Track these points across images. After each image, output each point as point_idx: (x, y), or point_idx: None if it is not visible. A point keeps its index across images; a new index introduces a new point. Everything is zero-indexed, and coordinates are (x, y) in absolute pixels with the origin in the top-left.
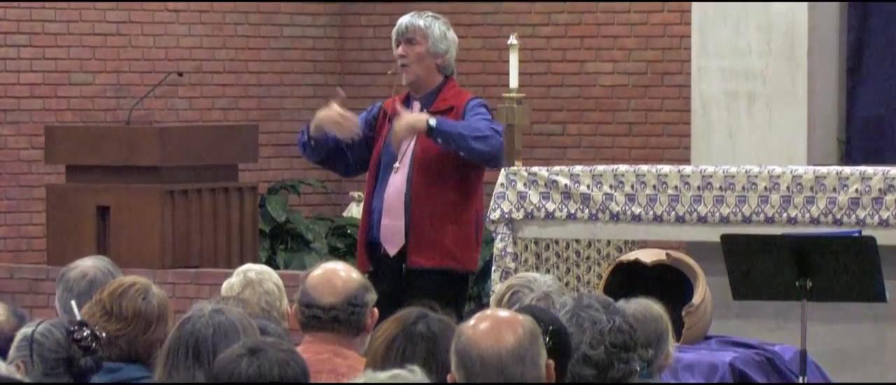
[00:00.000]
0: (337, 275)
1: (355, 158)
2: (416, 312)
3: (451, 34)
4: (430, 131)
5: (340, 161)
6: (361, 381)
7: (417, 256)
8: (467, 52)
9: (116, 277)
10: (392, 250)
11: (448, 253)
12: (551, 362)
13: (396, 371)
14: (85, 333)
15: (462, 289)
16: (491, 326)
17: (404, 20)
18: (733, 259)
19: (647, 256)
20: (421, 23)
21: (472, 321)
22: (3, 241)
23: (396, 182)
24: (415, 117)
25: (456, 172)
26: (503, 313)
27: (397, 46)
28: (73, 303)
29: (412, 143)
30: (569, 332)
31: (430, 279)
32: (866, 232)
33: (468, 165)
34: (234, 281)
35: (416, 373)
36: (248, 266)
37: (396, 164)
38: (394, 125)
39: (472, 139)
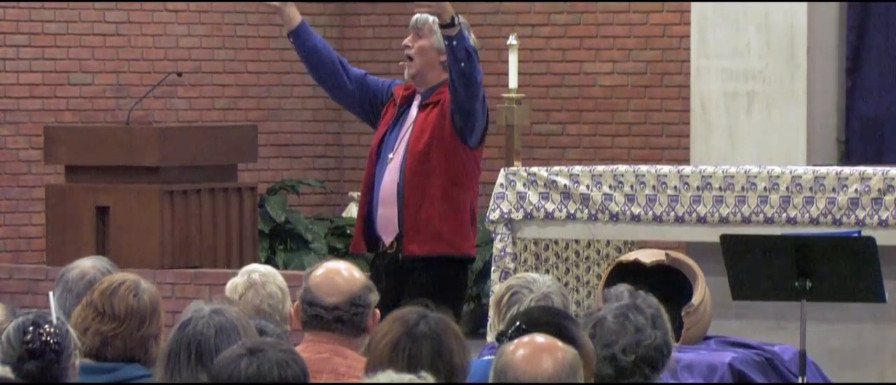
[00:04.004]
0: (340, 274)
1: (355, 88)
2: (416, 313)
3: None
4: (450, 23)
5: (337, 84)
6: (378, 381)
7: (411, 244)
8: None
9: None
10: (387, 239)
11: (441, 238)
12: None
13: (411, 376)
14: (39, 333)
15: (462, 275)
16: (531, 352)
17: (419, 14)
18: (732, 259)
19: (647, 257)
20: (431, 18)
21: (512, 344)
22: (3, 241)
23: (391, 171)
24: (448, 6)
25: (449, 160)
26: (543, 340)
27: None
28: (51, 294)
29: (407, 132)
30: (607, 325)
31: (428, 269)
32: (866, 232)
33: (461, 152)
34: (238, 281)
35: (426, 378)
36: (253, 266)
37: (390, 155)
38: None
39: (474, 66)
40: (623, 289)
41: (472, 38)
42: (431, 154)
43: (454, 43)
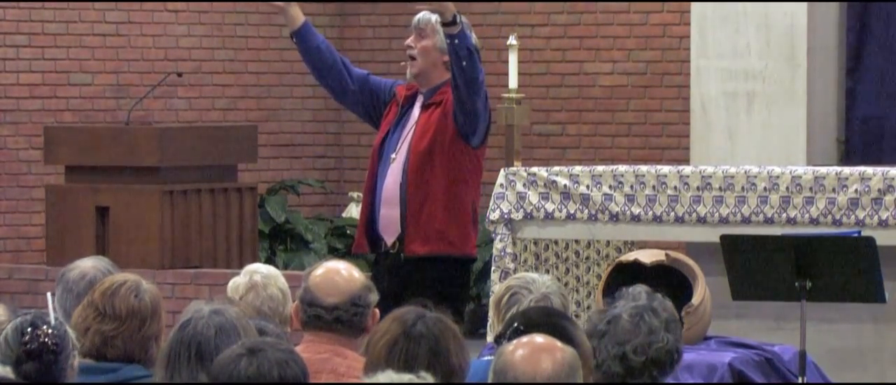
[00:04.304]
0: (340, 275)
1: (358, 88)
2: (414, 313)
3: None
4: (451, 21)
5: (339, 84)
6: (378, 381)
7: (413, 244)
8: None
9: None
10: (389, 239)
11: (442, 237)
12: None
13: (410, 376)
14: (36, 333)
15: (464, 275)
16: (530, 352)
17: (422, 13)
18: (732, 259)
19: (647, 257)
20: (433, 18)
21: (511, 345)
22: (3, 241)
23: (393, 171)
24: (450, 4)
25: (451, 160)
26: (542, 340)
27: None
28: (49, 295)
29: (410, 133)
30: (622, 324)
31: (430, 269)
32: (865, 232)
33: (463, 151)
34: (239, 281)
35: (426, 378)
36: (256, 266)
37: (393, 155)
38: None
39: (476, 65)
40: (641, 289)
41: (473, 38)
42: (434, 154)
43: (456, 41)
